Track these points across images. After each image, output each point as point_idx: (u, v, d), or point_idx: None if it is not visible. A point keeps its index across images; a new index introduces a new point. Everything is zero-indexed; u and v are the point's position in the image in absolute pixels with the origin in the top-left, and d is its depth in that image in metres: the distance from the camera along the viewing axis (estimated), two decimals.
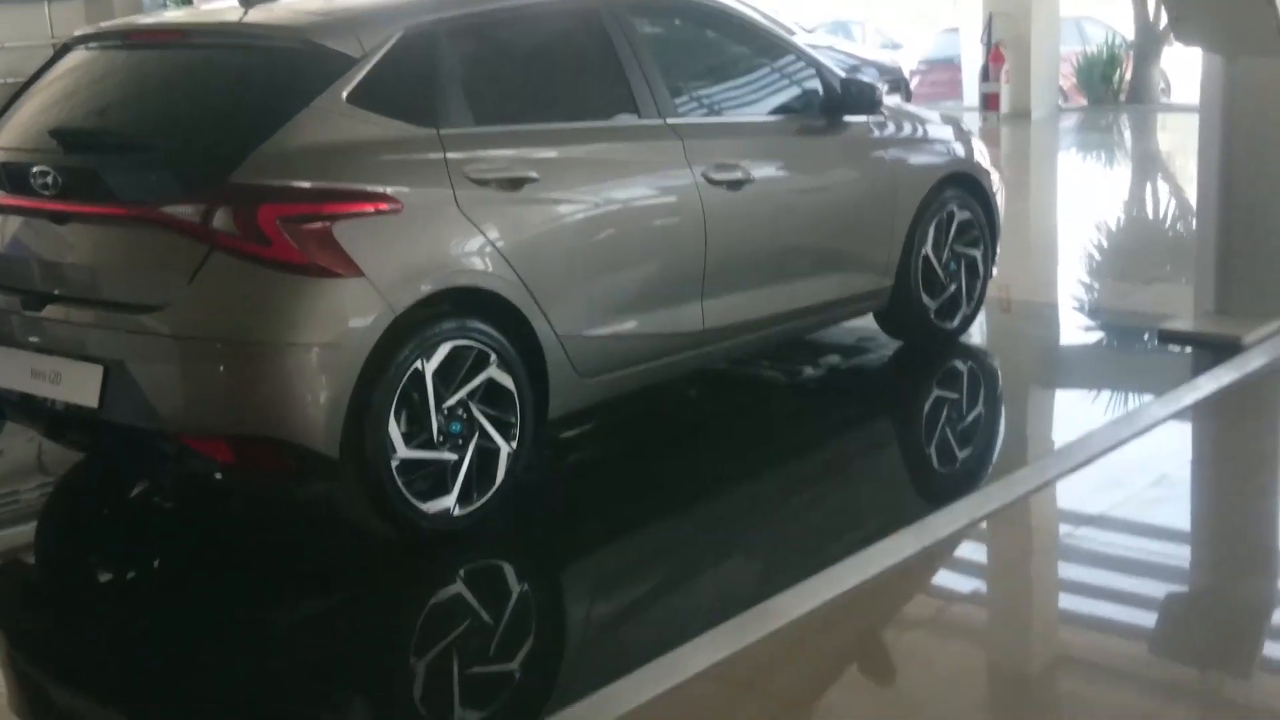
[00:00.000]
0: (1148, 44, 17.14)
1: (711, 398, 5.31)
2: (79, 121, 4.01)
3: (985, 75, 15.95)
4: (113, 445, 4.32)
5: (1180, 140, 13.82)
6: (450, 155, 3.90)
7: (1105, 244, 8.61)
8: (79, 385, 3.78)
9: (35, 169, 3.80)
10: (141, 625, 3.67)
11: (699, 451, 4.74)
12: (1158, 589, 3.69)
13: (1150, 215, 10.09)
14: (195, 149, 3.73)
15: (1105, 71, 16.95)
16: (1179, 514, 4.16)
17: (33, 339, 3.92)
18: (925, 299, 5.50)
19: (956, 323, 5.68)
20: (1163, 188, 11.37)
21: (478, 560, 3.90)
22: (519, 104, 4.28)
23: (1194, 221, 8.29)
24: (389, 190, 3.72)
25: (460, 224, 3.86)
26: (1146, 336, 5.86)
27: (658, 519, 4.16)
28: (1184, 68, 17.98)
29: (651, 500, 4.29)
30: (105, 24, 4.53)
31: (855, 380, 5.63)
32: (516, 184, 4.02)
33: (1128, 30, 17.82)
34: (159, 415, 3.64)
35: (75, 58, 4.27)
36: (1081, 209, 9.87)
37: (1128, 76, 17.09)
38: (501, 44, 4.29)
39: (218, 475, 3.91)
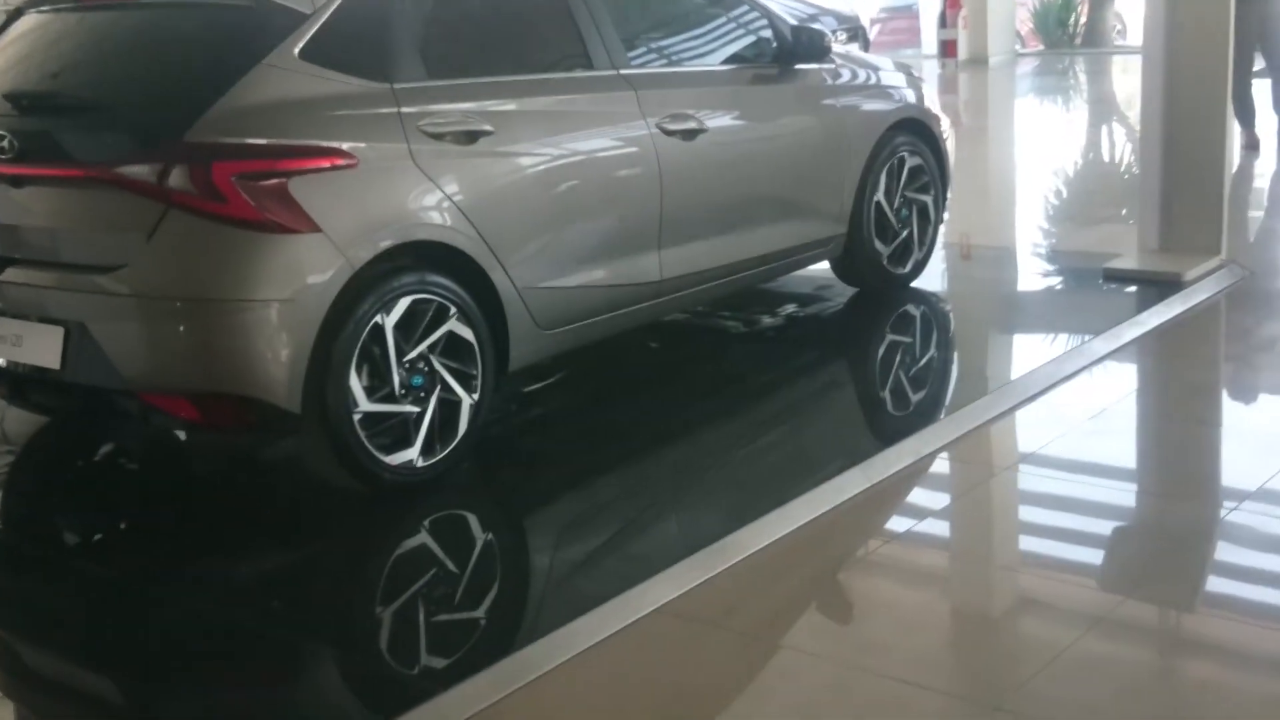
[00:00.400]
0: None
1: (671, 347, 5.40)
2: (34, 85, 4.03)
3: (943, 22, 16.06)
4: (76, 406, 4.36)
5: (1134, 83, 13.90)
6: (404, 109, 3.95)
7: (1059, 187, 8.74)
8: (40, 347, 3.83)
9: None
10: (108, 583, 3.73)
11: (660, 399, 4.83)
12: (1102, 517, 3.82)
13: (1103, 158, 10.23)
14: (149, 109, 3.77)
15: (1061, 16, 17.07)
16: (1121, 445, 4.31)
17: None
18: (878, 245, 5.60)
19: (909, 268, 5.78)
20: (1116, 131, 11.51)
21: (442, 510, 3.98)
22: (472, 57, 4.32)
23: (1129, 164, 8.45)
24: (344, 146, 3.77)
25: (416, 178, 3.91)
26: (1092, 276, 5.98)
27: (619, 466, 4.25)
28: (1139, 10, 18.14)
29: (613, 448, 4.38)
30: None
31: (812, 327, 5.74)
32: (471, 137, 4.07)
33: None
34: (121, 374, 3.70)
35: (28, 22, 4.28)
36: (1037, 153, 10.01)
37: (1083, 20, 17.20)
38: None
39: (181, 433, 3.97)
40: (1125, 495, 4.03)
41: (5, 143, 3.81)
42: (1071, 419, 4.39)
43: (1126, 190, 8.15)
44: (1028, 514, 3.90)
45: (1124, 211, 7.55)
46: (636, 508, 4.03)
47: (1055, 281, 6.40)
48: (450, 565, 3.70)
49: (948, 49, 15.93)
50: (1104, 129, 11.85)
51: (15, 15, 4.36)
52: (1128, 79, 13.96)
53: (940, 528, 3.84)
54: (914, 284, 5.83)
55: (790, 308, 5.85)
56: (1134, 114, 11.93)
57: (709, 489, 4.10)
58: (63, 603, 3.68)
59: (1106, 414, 4.46)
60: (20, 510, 4.38)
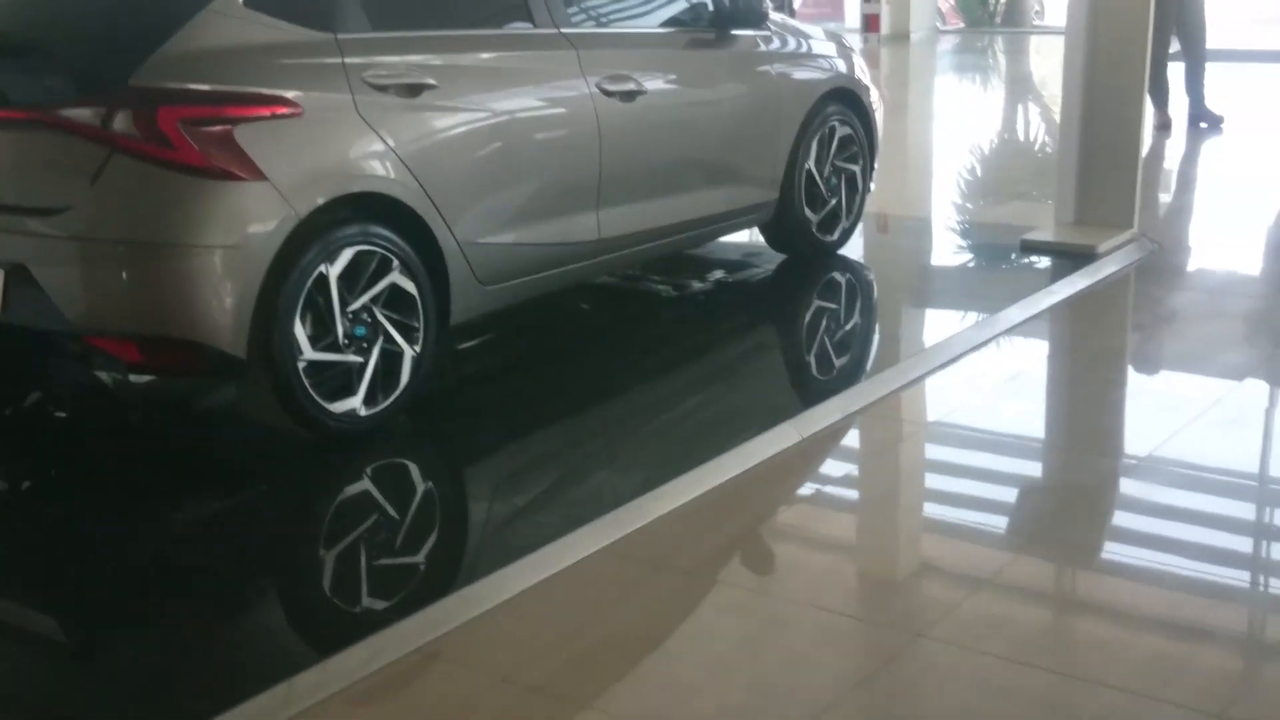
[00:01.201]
0: None
1: (603, 310, 5.51)
2: None
3: None
4: (14, 348, 4.35)
5: (1052, 63, 14.22)
6: (349, 60, 3.99)
7: (976, 163, 8.97)
8: None
9: None
10: (45, 526, 3.75)
11: (593, 360, 4.94)
12: (1011, 472, 4.01)
13: (1020, 135, 10.49)
14: (93, 52, 3.78)
15: None
16: (1033, 406, 4.53)
17: None
18: (807, 212, 5.74)
19: (836, 235, 5.94)
20: (1032, 109, 11.79)
21: (383, 459, 4.06)
22: (416, 10, 4.37)
23: (1045, 141, 8.69)
24: (289, 94, 3.81)
25: (360, 129, 3.97)
26: (1010, 248, 6.19)
27: (555, 421, 4.36)
28: None
29: (549, 404, 4.48)
30: None
31: (740, 292, 5.87)
32: (415, 90, 4.13)
33: None
34: (64, 317, 3.72)
35: None
36: (956, 129, 10.24)
37: (1004, 0, 17.49)
38: None
39: (123, 376, 3.98)
40: (1037, 447, 4.23)
41: None
42: (986, 382, 4.59)
43: (1040, 167, 8.40)
44: (943, 469, 4.09)
45: (1034, 185, 7.79)
46: (574, 459, 4.14)
47: (973, 252, 6.60)
48: (391, 511, 3.78)
49: (870, 23, 16.13)
50: (1020, 107, 12.14)
51: None
52: (1045, 59, 14.29)
53: (864, 480, 4.01)
54: (840, 251, 5.98)
55: (719, 273, 5.98)
56: (1049, 93, 12.25)
57: (645, 442, 4.23)
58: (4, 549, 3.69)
59: (1020, 377, 4.67)
60: None
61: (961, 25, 17.51)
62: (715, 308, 5.62)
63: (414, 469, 4.11)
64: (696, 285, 5.83)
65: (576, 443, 4.24)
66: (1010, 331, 5.06)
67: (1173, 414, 4.21)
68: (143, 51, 3.68)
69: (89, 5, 3.98)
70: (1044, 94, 12.05)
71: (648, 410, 4.47)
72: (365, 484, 3.94)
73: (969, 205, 7.69)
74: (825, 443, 4.15)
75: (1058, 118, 9.31)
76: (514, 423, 4.32)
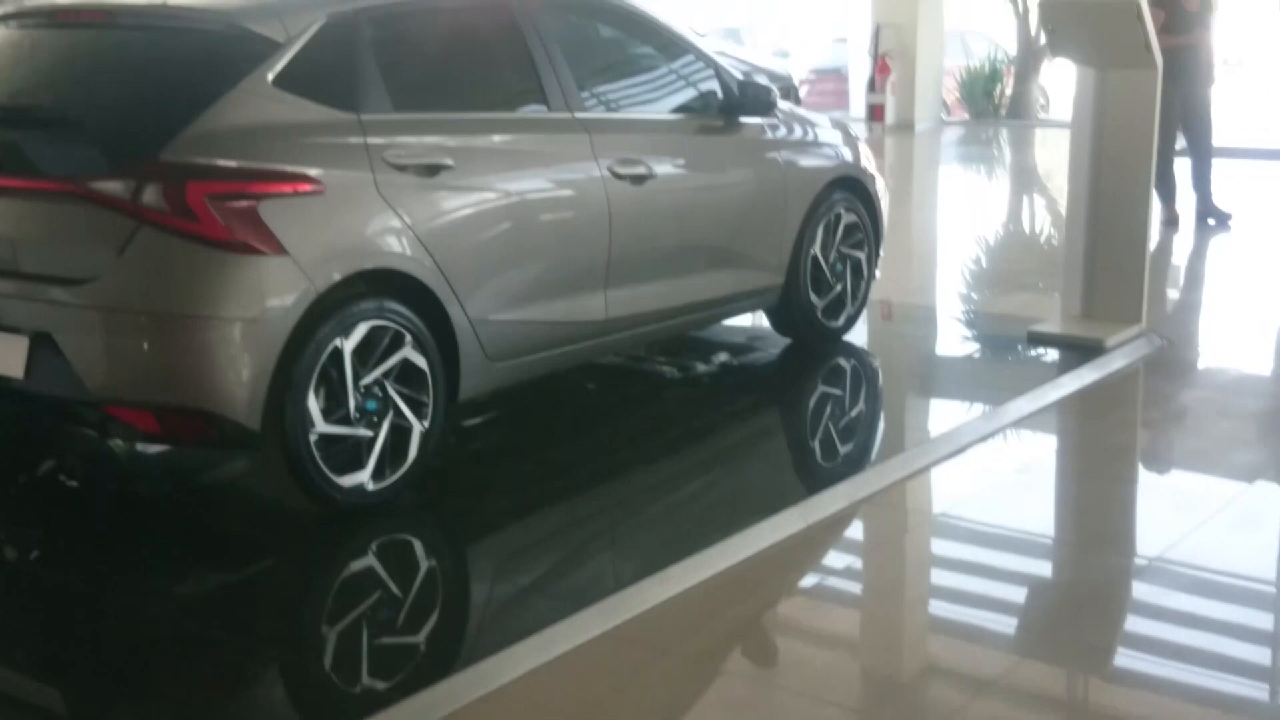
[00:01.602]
0: (1028, 60, 17.76)
1: (608, 390, 5.53)
2: (6, 99, 4.09)
3: (871, 86, 16.44)
4: (34, 416, 4.38)
5: (1056, 156, 14.41)
6: (370, 140, 4.07)
7: (981, 253, 9.05)
8: (4, 356, 3.88)
9: None
10: (52, 595, 3.75)
11: (597, 439, 4.95)
12: (1018, 570, 4.00)
13: (1025, 227, 10.59)
14: (125, 127, 3.84)
15: (987, 86, 17.54)
16: (1041, 501, 4.52)
17: None
18: (813, 297, 5.79)
19: (842, 321, 5.98)
20: (1037, 201, 11.91)
21: (388, 534, 4.05)
22: (436, 92, 4.46)
23: (1050, 233, 8.77)
24: (312, 172, 3.88)
25: (379, 207, 4.03)
26: (1016, 339, 6.24)
27: (559, 500, 4.36)
28: (1062, 85, 18.76)
29: (553, 483, 4.49)
30: (28, 4, 4.59)
31: (745, 375, 5.90)
32: (433, 170, 4.20)
33: (1010, 44, 18.47)
34: (85, 385, 3.75)
35: (1, 34, 4.33)
36: (960, 219, 10.35)
37: (1009, 92, 17.69)
38: (420, 33, 4.46)
39: (133, 444, 4.01)
40: (1047, 542, 4.22)
41: None
42: (994, 474, 4.60)
43: (1046, 259, 8.48)
44: (949, 564, 4.08)
45: (1039, 277, 7.86)
46: (578, 540, 4.14)
47: (979, 342, 6.65)
48: (394, 588, 3.77)
49: (875, 113, 16.33)
50: (1025, 199, 12.26)
51: None
52: (1049, 151, 14.49)
53: (869, 572, 4.01)
54: (845, 337, 6.03)
55: (724, 355, 6.01)
56: (1054, 185, 12.39)
57: (649, 524, 4.23)
58: (6, 614, 3.69)
59: (1028, 470, 4.68)
60: None
61: (966, 116, 17.72)
62: (720, 390, 5.64)
63: (418, 545, 4.11)
64: (701, 367, 5.86)
65: (580, 523, 4.24)
66: (1018, 424, 5.08)
67: (1184, 514, 4.21)
68: (173, 128, 3.75)
69: (121, 81, 4.04)
70: (1049, 186, 12.19)
71: (651, 491, 4.48)
72: (370, 560, 3.94)
73: (974, 295, 7.76)
74: (830, 531, 4.15)
75: (1063, 210, 9.42)
76: (518, 501, 4.32)
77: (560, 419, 5.17)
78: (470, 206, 4.32)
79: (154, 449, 4.60)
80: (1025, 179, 13.56)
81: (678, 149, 5.19)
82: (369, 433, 4.02)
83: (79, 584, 3.78)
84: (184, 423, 3.79)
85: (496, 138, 4.51)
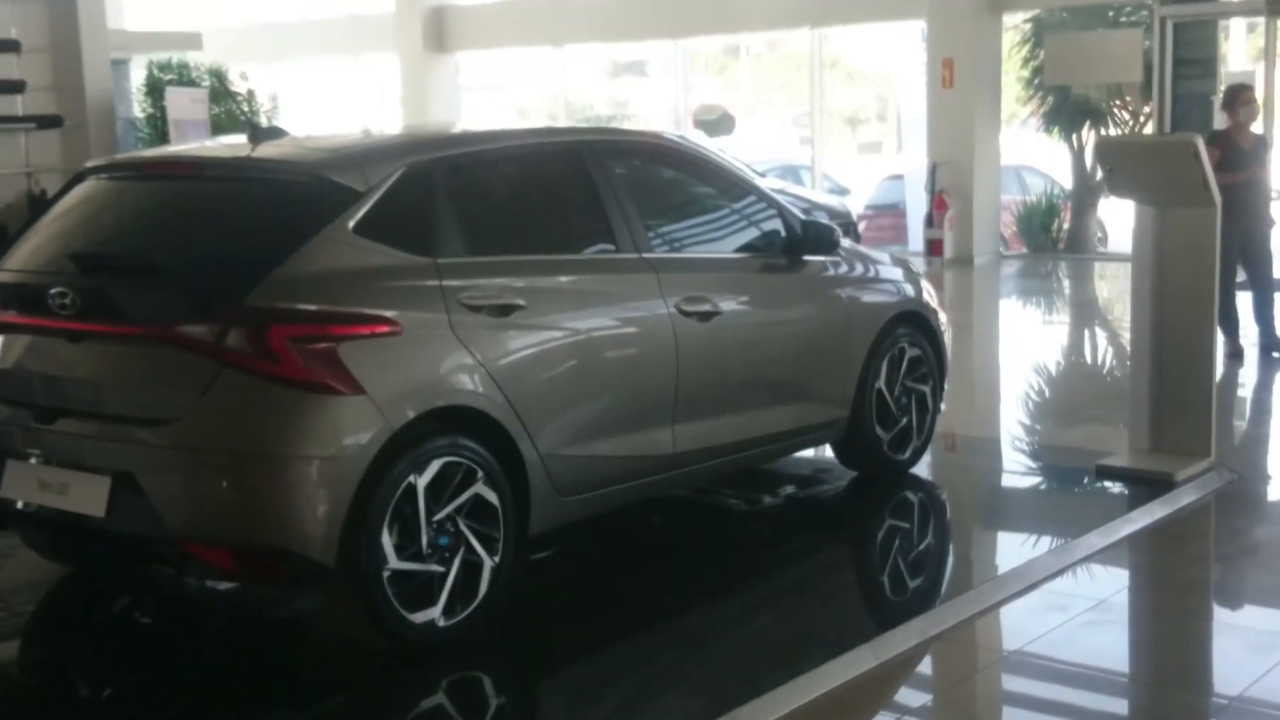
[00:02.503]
0: (1085, 195, 17.89)
1: (674, 523, 5.54)
2: (97, 246, 4.27)
3: (929, 222, 16.58)
4: (112, 555, 4.47)
5: (1115, 289, 14.44)
6: (446, 283, 4.19)
7: (1044, 385, 9.03)
8: (86, 495, 3.98)
9: (54, 290, 4.04)
10: None
11: (663, 573, 4.95)
12: (1098, 704, 3.93)
13: (1086, 359, 10.55)
14: (210, 273, 3.99)
15: (1044, 221, 17.62)
16: (1115, 638, 4.44)
17: (41, 452, 4.13)
18: (879, 430, 5.80)
19: (908, 454, 5.98)
20: (1098, 333, 11.88)
21: (458, 671, 4.06)
22: (508, 236, 4.60)
23: (1128, 365, 8.72)
24: (390, 314, 4.00)
25: (454, 347, 4.13)
26: (1084, 472, 6.19)
27: (627, 636, 4.36)
28: (1119, 218, 18.83)
29: (620, 618, 4.49)
30: (119, 156, 4.83)
31: (811, 508, 5.89)
32: (506, 310, 4.31)
33: (1065, 179, 18.64)
34: (165, 524, 3.84)
35: (89, 187, 4.54)
36: (1022, 351, 10.32)
37: (1066, 226, 17.78)
38: (493, 180, 4.62)
39: (203, 582, 4.08)
40: (1122, 681, 4.14)
41: (68, 299, 4.02)
42: (1067, 611, 4.53)
43: (1109, 391, 8.44)
44: (1024, 702, 4.01)
45: (1103, 409, 7.80)
46: (645, 677, 4.13)
47: (1045, 475, 6.60)
48: None
49: (934, 248, 16.44)
50: (1086, 331, 12.23)
51: (76, 180, 4.63)
52: (1108, 284, 14.49)
53: (942, 712, 3.94)
54: (911, 470, 6.02)
55: (790, 488, 6.02)
56: (1114, 318, 12.37)
57: (717, 660, 4.20)
58: None
59: (1101, 607, 4.60)
60: (40, 658, 4.45)
61: (1024, 250, 17.79)
62: (786, 523, 5.64)
63: (487, 682, 4.11)
64: (767, 499, 5.87)
65: (648, 659, 4.23)
66: (1089, 559, 5.01)
67: (1262, 652, 4.12)
68: (257, 274, 3.89)
69: (206, 230, 4.21)
70: (1109, 319, 12.17)
71: (718, 627, 4.46)
72: (440, 697, 3.94)
73: (1038, 427, 7.72)
74: (901, 669, 4.10)
75: (1125, 343, 9.37)
76: (585, 637, 4.32)
77: (626, 552, 5.17)
78: (541, 345, 4.42)
79: (224, 585, 4.66)
80: (1085, 312, 13.55)
81: (743, 287, 5.28)
82: (441, 568, 4.06)
83: None
84: (260, 560, 3.86)
85: (566, 278, 4.63)
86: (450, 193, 4.38)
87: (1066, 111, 17.91)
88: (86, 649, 4.42)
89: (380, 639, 4.01)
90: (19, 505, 4.22)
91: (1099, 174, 17.94)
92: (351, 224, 4.09)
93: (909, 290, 6.03)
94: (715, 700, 3.76)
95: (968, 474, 6.57)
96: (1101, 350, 10.83)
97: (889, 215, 20.08)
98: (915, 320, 5.98)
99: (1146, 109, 17.29)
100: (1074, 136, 18.09)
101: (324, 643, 4.37)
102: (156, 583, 4.85)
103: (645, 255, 4.88)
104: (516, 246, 4.59)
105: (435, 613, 4.05)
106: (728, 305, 5.10)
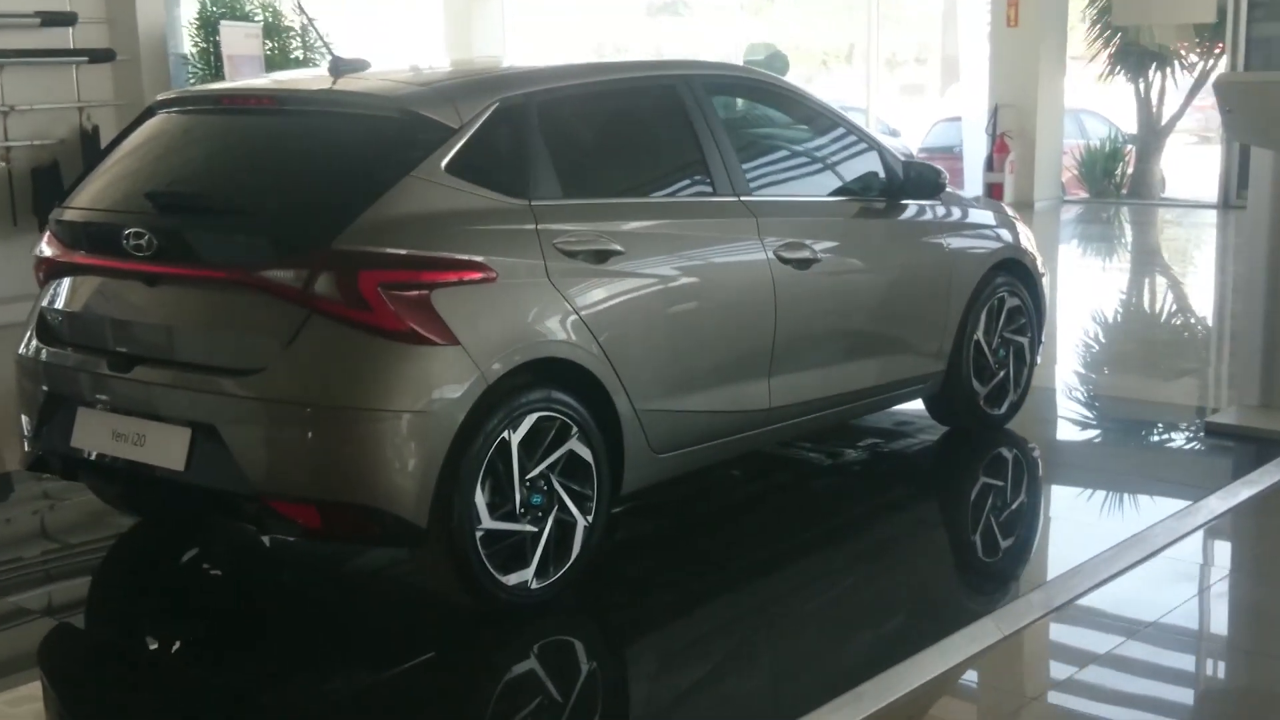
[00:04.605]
0: (1149, 140, 17.46)
1: (755, 477, 5.27)
2: (175, 185, 4.02)
3: (990, 165, 16.18)
4: (188, 509, 4.27)
5: (1180, 234, 14.03)
6: (541, 226, 3.93)
7: (1125, 336, 8.70)
8: (164, 448, 3.77)
9: (129, 230, 3.81)
10: (194, 698, 3.60)
11: (749, 530, 4.72)
12: (1249, 683, 3.67)
13: (1164, 309, 10.17)
14: (296, 214, 3.74)
15: (1107, 165, 17.22)
16: (1248, 607, 4.16)
17: (116, 400, 3.91)
18: (976, 385, 5.53)
19: (1004, 409, 5.71)
20: (1173, 282, 11.47)
21: (543, 634, 3.85)
22: (603, 177, 4.33)
23: (1198, 316, 8.38)
24: (485, 260, 3.75)
25: (551, 295, 3.88)
26: (1190, 429, 5.88)
27: (716, 597, 4.14)
28: (1181, 165, 18.33)
29: (708, 578, 4.28)
30: (193, 89, 4.57)
31: (899, 463, 5.63)
32: (602, 256, 4.05)
33: (1124, 124, 18.18)
34: (248, 479, 3.62)
35: (161, 121, 4.29)
36: (1097, 301, 9.97)
37: (1129, 171, 17.36)
38: (586, 117, 4.35)
39: (293, 538, 3.87)
40: (1257, 658, 3.88)
41: (144, 240, 3.79)
42: (1198, 579, 4.26)
43: (1195, 343, 8.12)
44: (1171, 677, 3.74)
45: (1196, 364, 7.47)
46: (737, 643, 3.89)
47: (1150, 433, 6.29)
48: (554, 692, 3.58)
49: (993, 191, 16.03)
50: (1160, 280, 11.81)
51: (146, 114, 4.38)
52: (1173, 230, 14.08)
53: (1085, 691, 3.67)
54: (1006, 426, 5.75)
55: (872, 441, 5.76)
56: (1186, 265, 11.98)
57: (811, 624, 3.98)
58: (141, 709, 3.56)
59: (1235, 574, 4.32)
60: (109, 609, 4.27)
61: (1085, 195, 17.36)
62: (873, 480, 5.38)
63: (578, 645, 3.90)
64: (850, 454, 5.63)
65: (737, 625, 4.00)
66: (1212, 524, 4.73)
67: None
68: (346, 215, 3.63)
69: (289, 168, 3.95)
70: (1182, 266, 11.79)
71: (810, 589, 4.23)
72: (531, 662, 3.73)
73: (1130, 381, 7.38)
74: (1028, 643, 3.84)
75: (1201, 292, 9.02)
76: (671, 598, 4.12)
77: (709, 508, 4.93)
78: (638, 293, 4.16)
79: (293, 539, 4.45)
80: (1155, 259, 13.12)
81: (842, 232, 5.00)
82: (534, 528, 3.84)
83: (228, 681, 3.64)
84: (348, 518, 3.63)
85: (664, 223, 4.36)
86: (543, 130, 4.10)
87: (1134, 54, 17.40)
88: (155, 601, 4.25)
89: (471, 601, 3.80)
90: (90, 455, 4.02)
91: (1165, 118, 17.61)
92: (444, 163, 3.82)
93: (1008, 236, 5.73)
94: (839, 671, 3.55)
95: (1066, 431, 6.29)
96: (1178, 300, 10.43)
97: (945, 159, 19.64)
98: (1014, 268, 5.68)
99: (1217, 50, 16.77)
100: (1139, 80, 17.59)
101: (398, 600, 4.16)
102: (228, 535, 4.66)
103: (744, 198, 4.60)
104: (611, 188, 4.32)
105: (528, 574, 3.83)
106: (827, 252, 4.82)
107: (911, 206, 5.28)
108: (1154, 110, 17.51)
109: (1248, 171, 5.60)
